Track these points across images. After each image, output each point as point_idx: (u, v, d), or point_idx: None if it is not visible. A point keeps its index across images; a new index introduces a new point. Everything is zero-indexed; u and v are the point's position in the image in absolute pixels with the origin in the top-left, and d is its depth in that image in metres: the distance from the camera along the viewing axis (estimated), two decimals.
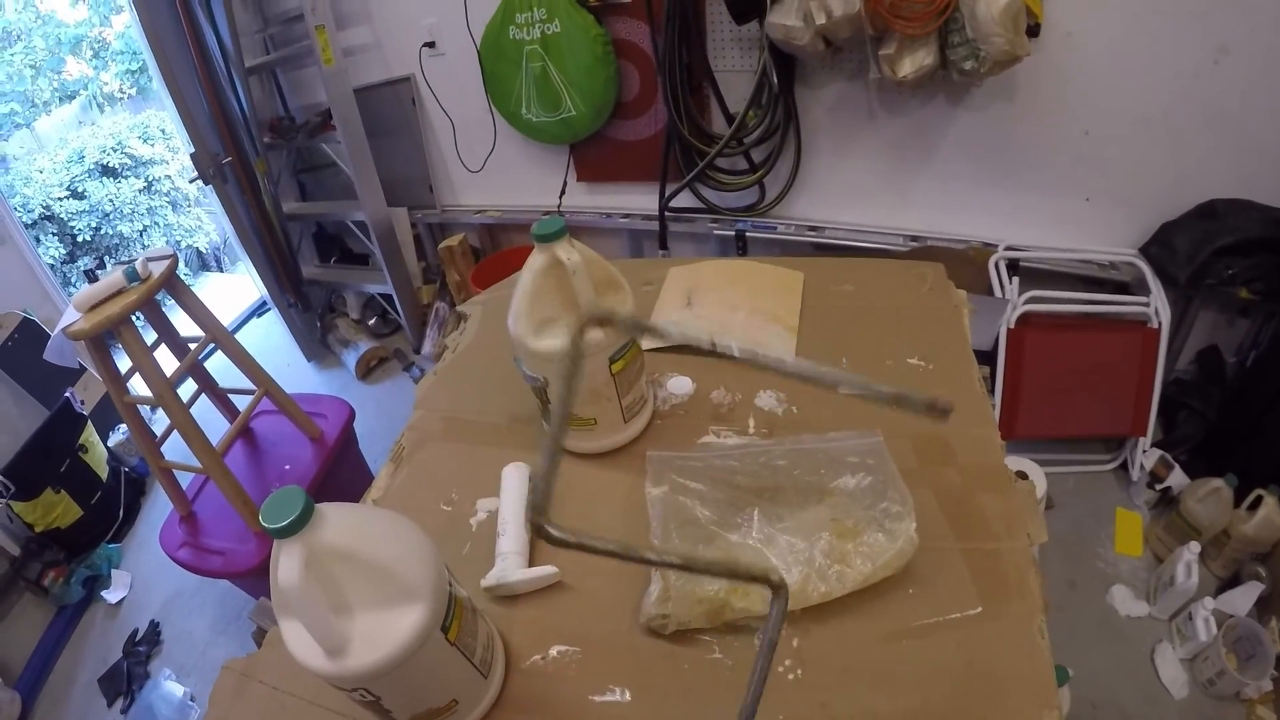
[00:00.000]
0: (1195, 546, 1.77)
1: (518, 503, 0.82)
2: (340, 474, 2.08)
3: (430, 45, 2.67)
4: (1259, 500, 1.78)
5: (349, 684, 0.56)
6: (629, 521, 0.81)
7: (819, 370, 0.51)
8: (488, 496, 0.88)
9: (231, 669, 0.79)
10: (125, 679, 2.22)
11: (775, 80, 2.07)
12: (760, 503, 0.73)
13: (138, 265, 1.67)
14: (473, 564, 0.81)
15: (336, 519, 0.53)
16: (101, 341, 1.71)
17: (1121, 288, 2.11)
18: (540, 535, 0.46)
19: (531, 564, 0.78)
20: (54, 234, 4.37)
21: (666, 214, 2.55)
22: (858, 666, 0.66)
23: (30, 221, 4.24)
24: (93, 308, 1.62)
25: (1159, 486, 2.02)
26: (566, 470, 0.90)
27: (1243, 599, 1.75)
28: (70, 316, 1.64)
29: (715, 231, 2.54)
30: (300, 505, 0.50)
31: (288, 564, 0.50)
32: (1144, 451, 2.07)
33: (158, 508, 2.82)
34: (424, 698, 0.61)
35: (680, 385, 0.98)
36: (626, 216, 2.75)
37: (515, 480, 0.84)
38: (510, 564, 0.76)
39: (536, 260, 0.77)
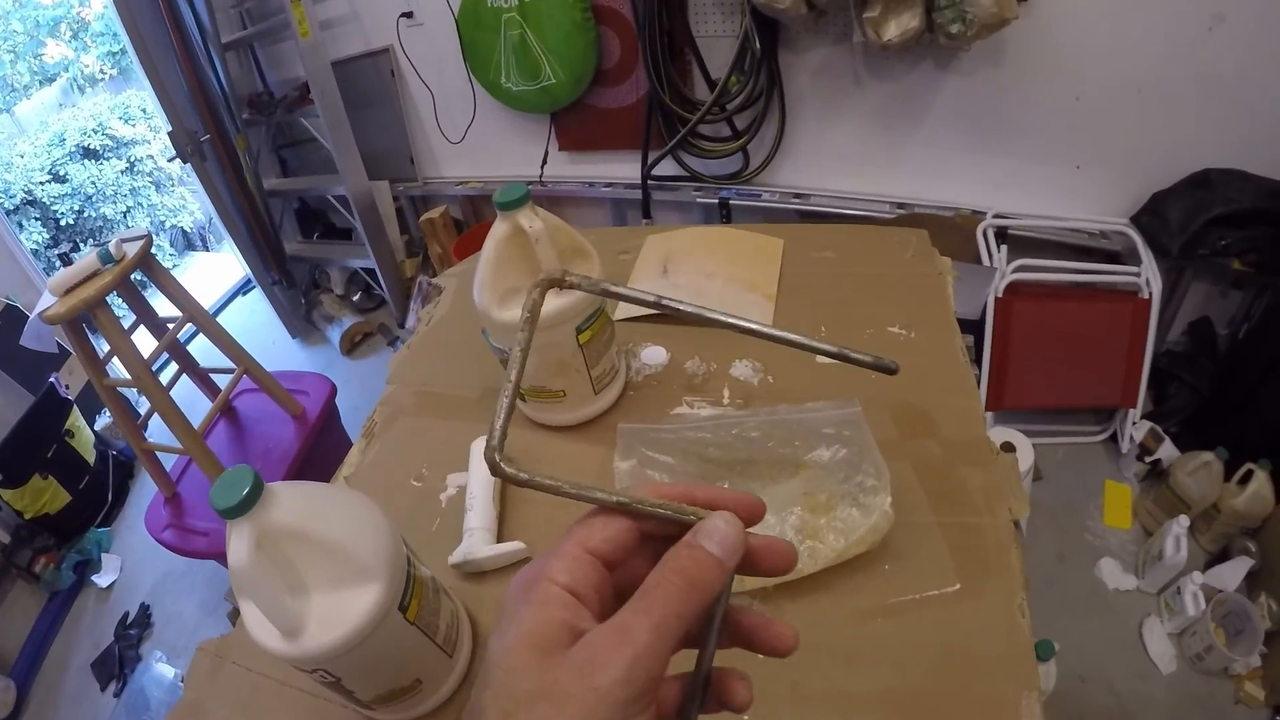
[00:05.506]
0: (1185, 520, 1.76)
1: (485, 478, 0.80)
2: (323, 450, 2.07)
3: (408, 15, 2.62)
4: (1249, 474, 1.76)
5: (307, 665, 0.54)
6: None
7: (769, 330, 0.43)
8: (458, 471, 0.87)
9: (206, 650, 0.78)
10: (117, 663, 2.23)
11: (758, 45, 2.03)
12: (731, 476, 0.71)
13: (111, 247, 1.64)
14: (442, 540, 0.79)
15: (287, 498, 0.51)
16: (79, 325, 1.69)
17: (1112, 257, 2.09)
18: (495, 474, 0.43)
19: (500, 540, 0.77)
20: (36, 219, 4.32)
21: (649, 182, 2.52)
22: (831, 645, 0.64)
23: (12, 207, 4.19)
24: (68, 291, 1.60)
25: (1149, 459, 2.01)
26: (536, 444, 0.89)
27: (1232, 574, 1.73)
28: (46, 300, 1.62)
29: (699, 199, 2.52)
30: (248, 485, 0.48)
31: (237, 544, 0.48)
32: (1134, 423, 2.06)
33: (145, 491, 2.81)
34: (385, 678, 0.59)
35: (654, 355, 0.96)
36: (609, 186, 2.71)
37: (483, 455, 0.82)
38: (477, 540, 0.74)
39: (500, 229, 0.74)
